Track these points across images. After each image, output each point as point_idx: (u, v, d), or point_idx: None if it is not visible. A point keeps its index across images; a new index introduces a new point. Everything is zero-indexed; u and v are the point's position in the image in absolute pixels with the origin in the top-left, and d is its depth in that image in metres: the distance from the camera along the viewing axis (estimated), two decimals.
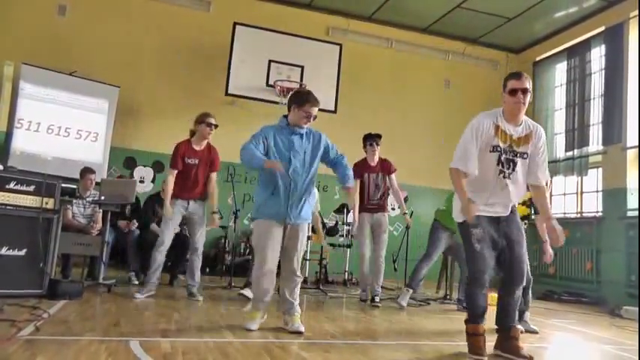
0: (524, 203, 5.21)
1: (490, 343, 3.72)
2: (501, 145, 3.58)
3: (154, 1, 9.54)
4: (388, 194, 6.55)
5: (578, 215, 9.67)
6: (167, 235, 5.45)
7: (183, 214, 5.57)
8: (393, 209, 10.49)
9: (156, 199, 6.94)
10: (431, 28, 10.84)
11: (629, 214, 8.40)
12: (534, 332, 4.94)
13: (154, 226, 6.69)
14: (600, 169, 9.23)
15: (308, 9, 10.36)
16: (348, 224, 8.07)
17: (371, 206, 6.38)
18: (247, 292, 5.66)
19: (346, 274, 8.45)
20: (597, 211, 9.18)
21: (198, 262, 5.60)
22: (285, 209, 4.12)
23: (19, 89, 8.00)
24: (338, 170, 4.35)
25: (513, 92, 3.55)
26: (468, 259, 3.75)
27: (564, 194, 10.18)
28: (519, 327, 4.56)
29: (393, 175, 6.49)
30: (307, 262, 8.35)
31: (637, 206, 8.30)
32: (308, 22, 10.16)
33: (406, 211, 6.63)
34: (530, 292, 5.13)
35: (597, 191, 9.31)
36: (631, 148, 8.56)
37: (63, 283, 4.93)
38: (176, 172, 5.50)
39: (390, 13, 10.43)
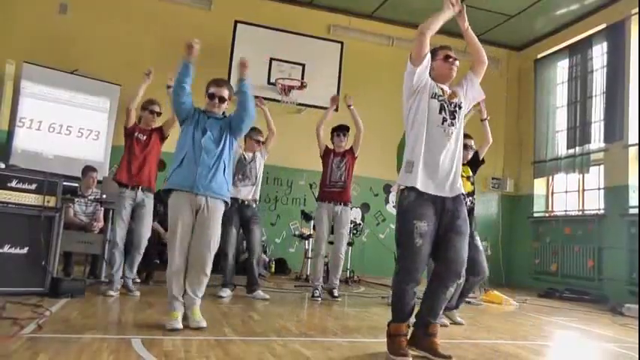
0: (468, 178, 5.22)
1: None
2: (440, 94, 3.57)
3: (155, 0, 9.53)
4: (349, 184, 6.37)
5: (580, 213, 9.67)
6: (119, 230, 5.37)
7: (132, 205, 5.47)
8: (395, 207, 10.51)
9: (157, 197, 6.92)
10: None
11: (631, 211, 8.39)
12: (459, 324, 4.87)
13: (155, 224, 6.68)
14: (602, 167, 9.23)
15: (309, 7, 10.36)
16: (350, 222, 8.04)
17: (331, 189, 6.27)
18: (223, 292, 5.73)
19: (347, 272, 8.45)
20: (599, 209, 9.18)
21: (139, 256, 5.50)
22: (194, 178, 3.92)
23: (20, 88, 8.01)
24: (237, 108, 4.21)
25: (447, 58, 3.70)
26: (403, 252, 3.36)
27: (566, 192, 10.18)
28: (444, 321, 4.50)
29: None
30: (309, 260, 8.37)
31: (638, 204, 8.30)
32: (309, 20, 10.16)
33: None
34: (470, 290, 5.10)
35: (599, 189, 9.31)
36: (633, 145, 8.55)
37: (65, 281, 4.93)
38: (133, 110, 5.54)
39: (391, 10, 10.42)
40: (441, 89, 3.58)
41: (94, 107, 8.60)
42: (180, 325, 3.75)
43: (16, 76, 8.10)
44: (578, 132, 9.55)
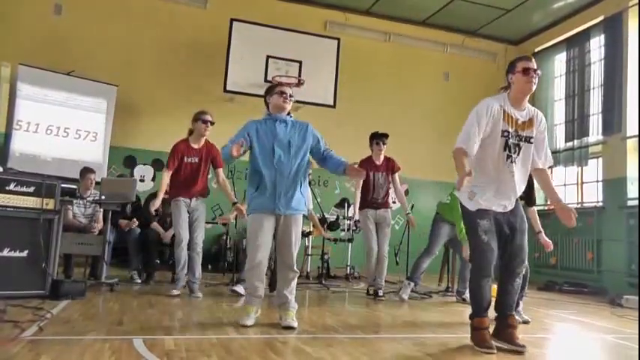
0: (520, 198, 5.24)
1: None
2: (509, 129, 3.58)
3: None
4: (389, 193, 6.55)
5: (579, 205, 9.68)
6: (183, 232, 5.50)
7: (187, 210, 5.58)
8: (394, 202, 10.52)
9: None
10: (429, 20, 10.83)
11: (630, 203, 8.40)
12: (526, 322, 4.95)
13: (154, 224, 6.70)
14: (600, 159, 9.23)
15: (305, 3, 10.34)
16: (349, 218, 8.07)
17: (374, 204, 6.41)
18: (239, 289, 5.69)
19: (348, 268, 8.46)
20: (597, 201, 9.19)
21: (198, 259, 5.60)
22: (273, 200, 4.07)
23: (16, 90, 7.98)
24: (330, 161, 4.25)
25: (527, 71, 3.56)
26: (473, 250, 3.71)
27: (565, 185, 10.18)
28: (518, 316, 4.60)
29: (396, 175, 6.51)
30: (309, 257, 8.38)
31: (637, 195, 8.31)
32: (305, 17, 10.14)
33: (409, 212, 6.61)
34: (527, 282, 5.11)
35: (597, 181, 9.31)
36: (631, 137, 8.56)
37: (65, 283, 4.94)
38: (170, 171, 5.52)
39: (388, 6, 10.41)
40: (511, 119, 3.59)
41: (91, 108, 8.58)
42: (251, 322, 4.02)
43: (12, 79, 8.07)
44: (577, 125, 9.55)
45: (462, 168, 3.42)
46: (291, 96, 4.28)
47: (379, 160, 6.47)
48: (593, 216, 9.01)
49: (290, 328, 3.97)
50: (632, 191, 8.46)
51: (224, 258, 8.49)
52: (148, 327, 3.78)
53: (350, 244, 8.37)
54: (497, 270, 3.79)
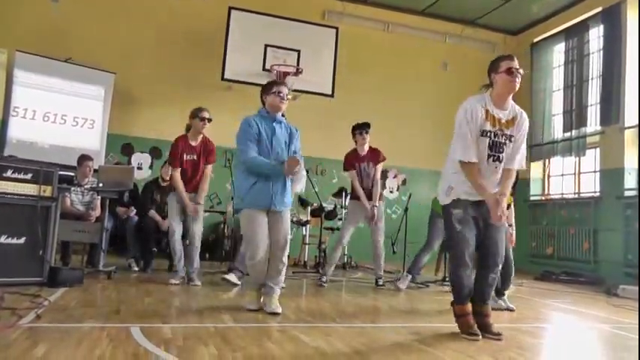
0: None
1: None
2: (491, 129, 3.61)
3: None
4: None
5: (576, 195, 9.70)
6: (175, 224, 5.59)
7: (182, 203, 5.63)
8: (392, 192, 10.54)
9: (154, 185, 6.93)
10: (428, 10, 10.78)
11: (627, 193, 8.42)
12: (511, 310, 4.98)
13: (152, 212, 6.69)
14: (598, 150, 9.24)
15: None
16: (347, 208, 8.07)
17: (366, 195, 6.39)
18: (231, 277, 5.69)
19: (345, 257, 8.47)
20: (595, 191, 9.20)
21: (196, 251, 5.66)
22: (270, 197, 4.20)
23: (13, 77, 7.95)
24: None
25: (510, 71, 3.59)
26: (449, 240, 3.81)
27: (562, 175, 10.21)
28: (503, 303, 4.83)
29: (379, 166, 6.48)
30: (307, 246, 8.39)
31: (634, 186, 8.34)
32: (304, 6, 10.08)
33: (376, 205, 6.42)
34: (512, 272, 5.11)
35: (595, 171, 9.33)
36: (629, 128, 8.56)
37: (63, 270, 4.94)
38: (179, 169, 5.62)
39: None
40: (493, 119, 3.62)
41: (88, 95, 8.55)
42: (257, 307, 4.22)
43: (9, 65, 8.03)
44: (575, 115, 9.55)
45: (486, 190, 3.56)
46: (287, 95, 4.38)
47: (363, 151, 6.46)
48: (590, 206, 9.03)
49: (275, 314, 4.07)
50: (629, 181, 8.48)
51: (222, 246, 8.51)
52: (145, 315, 3.79)
53: None
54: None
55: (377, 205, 6.33)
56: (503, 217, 3.56)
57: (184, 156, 5.64)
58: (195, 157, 5.68)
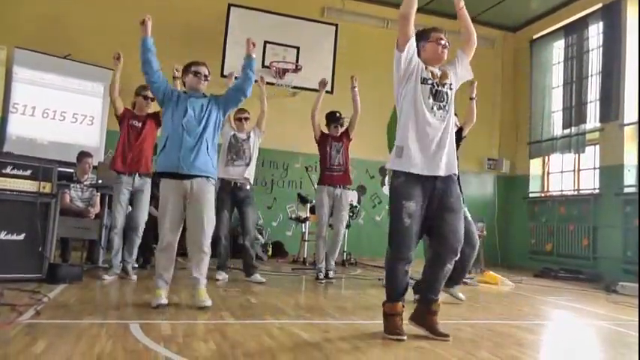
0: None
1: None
2: (431, 78, 3.53)
3: None
4: (348, 167, 6.48)
5: (576, 192, 9.71)
6: (119, 214, 5.47)
7: (130, 190, 5.55)
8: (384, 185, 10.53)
9: (153, 181, 6.91)
10: (427, 7, 10.74)
11: (626, 190, 8.43)
12: (459, 299, 4.97)
13: (151, 208, 6.66)
14: (597, 146, 9.24)
15: None
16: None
17: (332, 173, 6.34)
18: (219, 275, 5.75)
19: (344, 254, 8.48)
20: (594, 188, 9.21)
21: (138, 240, 5.58)
22: (177, 158, 4.04)
23: (12, 74, 7.94)
24: (236, 85, 4.45)
25: (439, 40, 3.64)
26: (392, 231, 3.45)
27: (562, 172, 10.22)
28: (460, 296, 4.77)
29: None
30: (306, 243, 8.40)
31: (633, 182, 8.34)
32: (303, 3, 10.06)
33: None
34: (470, 263, 5.09)
35: (594, 168, 9.33)
36: (628, 124, 8.56)
37: (62, 267, 4.95)
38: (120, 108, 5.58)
39: None
40: (431, 72, 3.55)
41: (87, 92, 8.55)
42: (164, 301, 3.98)
43: (8, 62, 8.02)
44: (574, 112, 9.55)
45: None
46: (206, 77, 4.32)
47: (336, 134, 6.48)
48: (589, 203, 9.04)
49: (203, 307, 3.98)
50: (628, 178, 8.48)
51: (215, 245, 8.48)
52: (144, 312, 3.79)
53: (346, 230, 8.37)
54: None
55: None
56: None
57: (129, 120, 5.57)
58: (140, 125, 5.62)
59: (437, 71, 3.59)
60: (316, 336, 3.32)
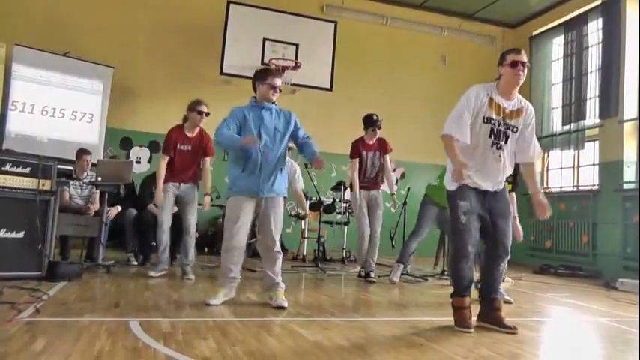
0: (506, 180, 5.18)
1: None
2: (494, 117, 3.67)
3: None
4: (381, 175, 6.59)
5: (575, 189, 9.71)
6: (165, 215, 5.57)
7: (176, 194, 5.63)
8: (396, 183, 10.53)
9: (153, 179, 6.91)
10: (426, 4, 10.75)
11: (626, 186, 8.43)
12: (509, 302, 4.98)
13: (151, 207, 6.68)
14: (597, 143, 9.24)
15: None
16: (346, 202, 8.09)
17: (367, 184, 6.47)
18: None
19: (344, 251, 8.48)
20: (594, 185, 9.21)
21: (191, 241, 5.66)
22: (257, 184, 4.18)
23: (11, 71, 7.92)
24: (306, 150, 4.40)
25: (515, 64, 3.66)
26: (453, 230, 3.80)
27: (561, 168, 10.21)
28: (504, 297, 4.70)
29: (387, 156, 6.54)
30: (305, 240, 8.39)
31: (633, 179, 8.34)
32: (302, 0, 10.05)
33: (394, 192, 6.69)
34: (505, 264, 5.13)
35: (594, 164, 9.33)
36: (627, 121, 8.56)
37: (62, 264, 4.94)
38: (168, 158, 5.58)
39: None
40: (498, 108, 3.68)
41: (87, 90, 8.53)
42: (218, 302, 4.12)
43: (7, 59, 8.00)
44: (574, 108, 9.54)
45: (456, 158, 3.55)
46: (279, 89, 4.35)
47: (372, 141, 6.51)
48: (588, 199, 9.04)
49: (281, 307, 4.08)
50: (628, 174, 8.49)
51: (220, 240, 8.49)
52: (144, 309, 3.79)
53: (346, 227, 8.39)
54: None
55: (394, 193, 6.60)
56: (548, 211, 3.72)
57: (178, 146, 5.61)
58: (189, 148, 5.65)
59: (507, 106, 3.72)
60: (316, 333, 3.32)
